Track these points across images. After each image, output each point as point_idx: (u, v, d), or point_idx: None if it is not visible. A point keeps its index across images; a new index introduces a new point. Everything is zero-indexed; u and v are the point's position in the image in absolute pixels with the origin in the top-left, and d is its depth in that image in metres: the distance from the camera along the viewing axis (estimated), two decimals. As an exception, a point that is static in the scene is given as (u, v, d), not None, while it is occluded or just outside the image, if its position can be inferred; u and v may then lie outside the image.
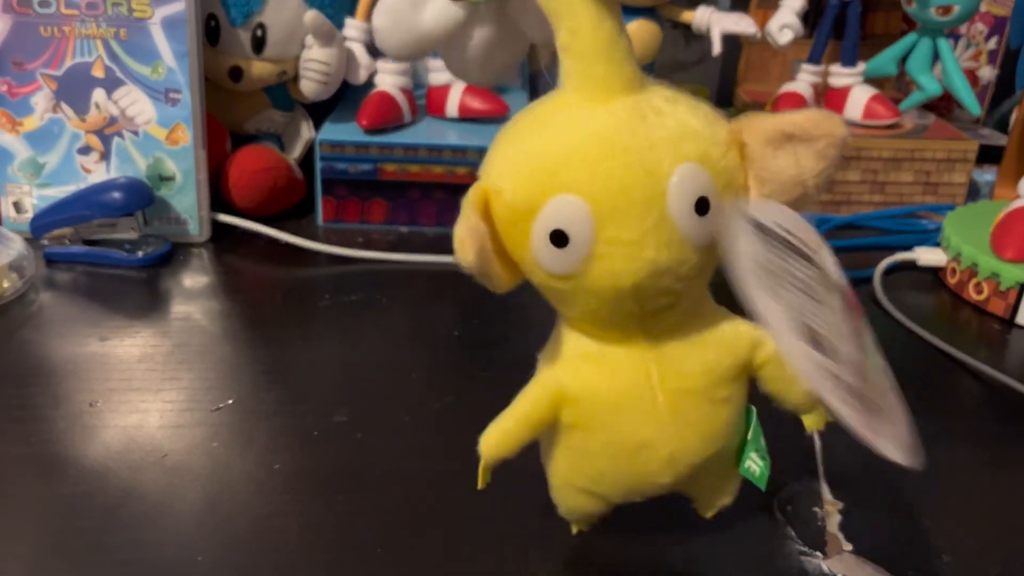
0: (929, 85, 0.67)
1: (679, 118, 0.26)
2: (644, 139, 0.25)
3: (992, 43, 0.79)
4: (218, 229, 0.61)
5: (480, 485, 0.30)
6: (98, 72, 0.57)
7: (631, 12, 0.65)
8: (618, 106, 0.25)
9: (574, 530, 0.34)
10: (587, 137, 0.25)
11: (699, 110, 0.27)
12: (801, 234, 0.26)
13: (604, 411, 0.29)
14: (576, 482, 0.31)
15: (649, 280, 0.26)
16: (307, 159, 0.67)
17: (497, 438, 0.29)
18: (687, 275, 0.26)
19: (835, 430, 0.41)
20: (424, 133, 0.64)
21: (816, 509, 0.37)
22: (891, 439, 0.26)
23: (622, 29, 0.26)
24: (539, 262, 0.26)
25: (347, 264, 0.58)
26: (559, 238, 0.25)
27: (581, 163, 0.25)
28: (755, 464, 0.31)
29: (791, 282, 0.25)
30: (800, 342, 0.25)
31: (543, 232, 0.26)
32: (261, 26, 0.61)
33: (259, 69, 0.62)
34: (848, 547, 0.35)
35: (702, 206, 0.25)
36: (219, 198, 0.61)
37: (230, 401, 0.43)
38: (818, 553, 0.34)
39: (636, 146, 0.25)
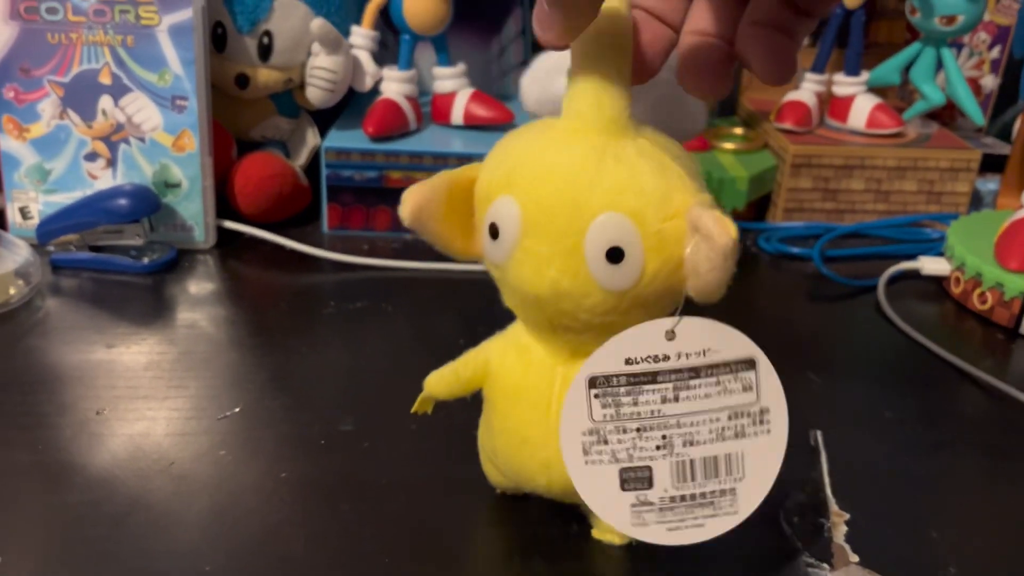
0: (933, 94, 0.67)
1: (634, 172, 0.27)
2: (588, 177, 0.27)
3: (995, 52, 0.79)
4: (223, 235, 0.61)
5: (415, 410, 0.36)
6: (105, 79, 0.57)
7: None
8: (585, 142, 0.28)
9: (498, 490, 0.37)
10: (542, 157, 0.28)
11: (668, 173, 0.27)
12: (648, 352, 0.28)
13: (506, 397, 0.32)
14: (485, 448, 0.35)
15: (551, 297, 0.28)
16: (312, 166, 0.67)
17: (435, 378, 0.34)
18: (593, 309, 0.28)
19: (841, 442, 0.42)
20: (429, 141, 0.64)
21: (822, 520, 0.37)
22: (724, 516, 0.29)
23: (619, 77, 0.28)
24: (483, 244, 0.30)
25: (352, 271, 0.58)
26: (494, 230, 0.29)
27: (528, 176, 0.28)
28: None
29: (618, 427, 0.29)
30: (614, 506, 0.29)
31: (486, 221, 0.29)
32: (267, 33, 0.61)
33: (265, 76, 0.63)
34: (855, 559, 0.35)
35: (614, 255, 0.27)
36: (225, 205, 0.62)
37: (236, 409, 0.43)
38: (825, 565, 0.34)
39: (576, 180, 0.27)
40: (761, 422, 0.29)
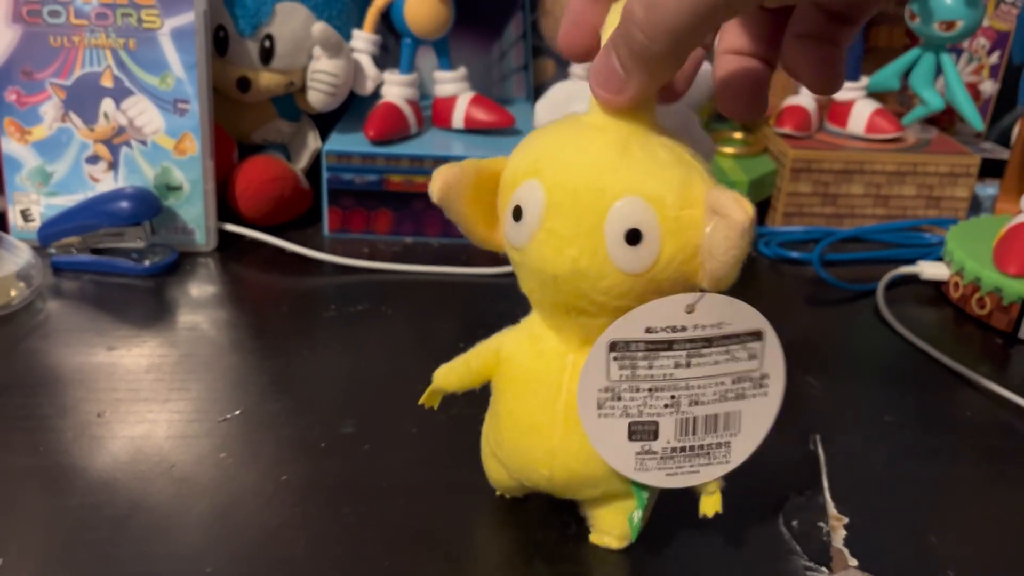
0: (932, 99, 0.67)
1: (657, 160, 0.28)
2: (612, 163, 0.28)
3: (994, 58, 0.80)
4: (224, 238, 0.61)
5: (422, 402, 0.36)
6: (107, 82, 0.58)
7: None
8: (611, 133, 0.29)
9: (497, 492, 0.37)
10: (569, 145, 0.29)
11: (688, 166, 0.29)
12: (668, 323, 0.29)
13: (516, 383, 0.33)
14: (489, 442, 0.35)
15: (569, 276, 0.29)
16: (313, 169, 0.67)
17: (444, 370, 0.35)
18: (608, 290, 0.29)
19: (840, 446, 0.42)
20: (430, 144, 0.64)
21: (821, 524, 0.37)
22: (718, 465, 0.32)
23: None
24: (505, 229, 0.31)
25: (352, 274, 0.58)
26: (517, 212, 0.29)
27: (554, 162, 0.29)
28: (636, 515, 0.33)
29: (632, 387, 0.30)
30: (620, 454, 0.31)
31: (511, 204, 0.30)
32: (269, 37, 0.61)
33: (267, 80, 0.63)
34: (853, 562, 0.35)
35: (633, 237, 0.28)
36: (226, 208, 0.62)
37: (237, 412, 0.43)
38: (823, 568, 0.35)
39: (601, 165, 0.28)
40: (761, 386, 0.31)
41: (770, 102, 0.79)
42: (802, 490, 0.39)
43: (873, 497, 0.39)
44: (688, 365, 0.30)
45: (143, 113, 0.58)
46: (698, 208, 0.28)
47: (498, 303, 0.54)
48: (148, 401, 0.43)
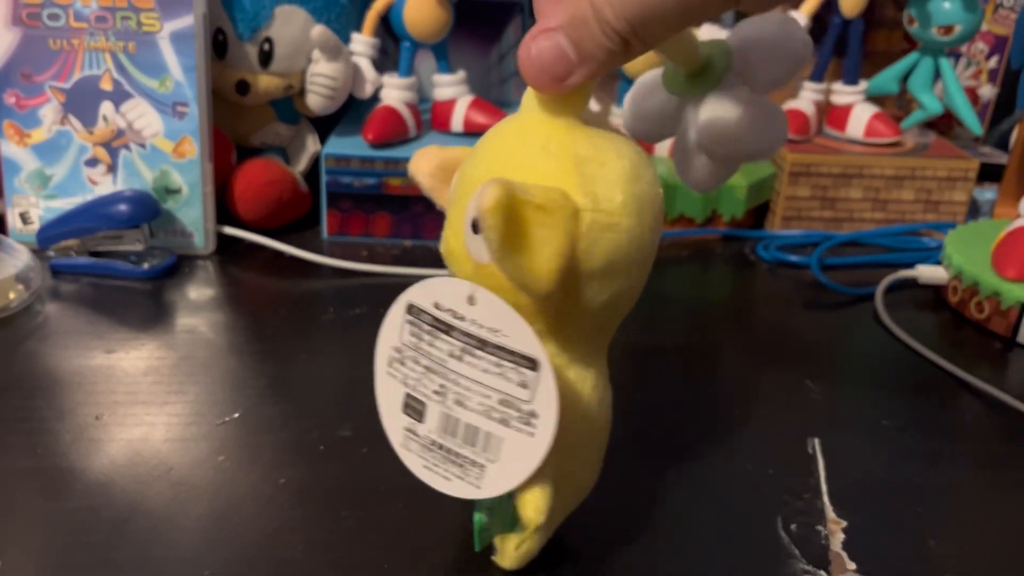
0: (930, 104, 0.67)
1: (528, 157, 0.28)
2: (492, 152, 0.29)
3: (992, 62, 0.80)
4: (223, 241, 0.61)
5: None
6: (106, 85, 0.58)
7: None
8: (512, 128, 0.30)
9: None
10: (483, 140, 0.31)
11: (563, 166, 0.28)
12: (452, 306, 0.29)
13: None
14: None
15: (447, 257, 0.31)
16: (312, 172, 0.67)
17: None
18: (468, 278, 0.29)
19: (839, 449, 0.42)
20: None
21: (820, 527, 0.37)
22: (468, 484, 0.30)
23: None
24: None
25: (351, 277, 0.58)
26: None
27: (471, 155, 0.31)
28: (477, 519, 0.32)
29: (414, 359, 0.30)
30: (393, 422, 0.32)
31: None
32: (268, 40, 0.61)
33: (266, 83, 0.63)
34: (852, 566, 0.35)
35: (475, 225, 0.28)
36: (224, 211, 0.62)
37: (235, 415, 0.43)
38: (822, 572, 0.34)
39: (484, 154, 0.30)
40: (528, 424, 0.29)
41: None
42: (800, 494, 0.39)
43: (871, 501, 0.39)
44: (461, 359, 0.29)
45: (142, 116, 0.58)
46: (519, 208, 0.26)
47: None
48: (146, 404, 0.43)
